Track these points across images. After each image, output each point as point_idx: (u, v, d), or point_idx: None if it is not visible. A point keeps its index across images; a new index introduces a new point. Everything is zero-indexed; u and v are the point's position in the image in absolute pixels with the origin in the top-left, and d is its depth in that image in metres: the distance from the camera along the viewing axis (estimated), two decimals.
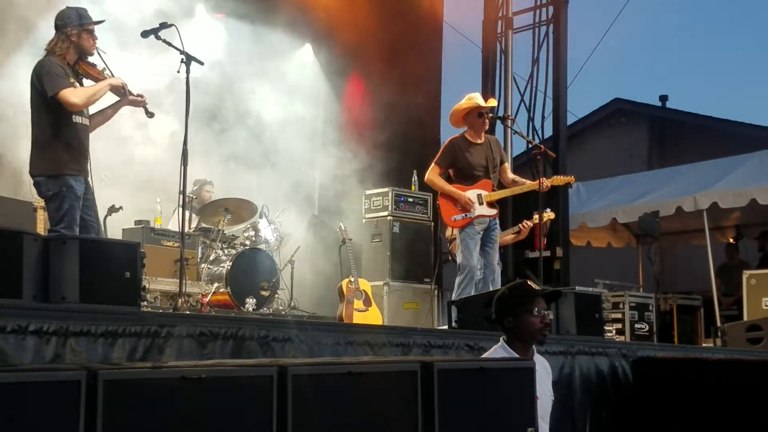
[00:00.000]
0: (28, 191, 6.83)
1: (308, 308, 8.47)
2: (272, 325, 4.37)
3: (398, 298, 8.45)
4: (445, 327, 6.02)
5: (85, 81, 5.37)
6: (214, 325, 4.01)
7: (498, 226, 7.03)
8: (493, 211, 6.79)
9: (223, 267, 7.57)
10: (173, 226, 7.71)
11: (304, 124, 10.05)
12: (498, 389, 3.39)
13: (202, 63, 5.53)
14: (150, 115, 5.43)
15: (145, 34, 5.47)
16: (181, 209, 5.58)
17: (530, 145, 8.49)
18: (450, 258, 7.63)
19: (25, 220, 6.45)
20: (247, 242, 7.97)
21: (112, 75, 5.41)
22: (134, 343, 3.68)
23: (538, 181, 6.83)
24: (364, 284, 7.88)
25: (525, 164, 11.67)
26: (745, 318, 8.87)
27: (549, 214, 7.95)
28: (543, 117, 10.95)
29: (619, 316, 9.00)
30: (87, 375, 2.35)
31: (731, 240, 12.07)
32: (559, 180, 7.15)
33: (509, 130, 9.93)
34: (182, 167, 5.28)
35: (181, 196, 5.40)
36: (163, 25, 5.46)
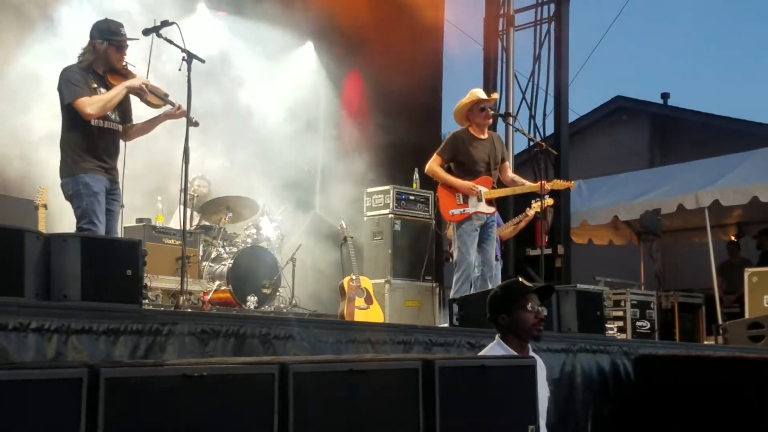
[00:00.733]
0: (31, 190, 6.85)
1: (310, 306, 8.48)
2: (274, 322, 4.37)
3: (399, 295, 8.44)
4: (447, 325, 6.01)
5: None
6: (215, 323, 4.01)
7: (495, 223, 7.02)
8: (492, 209, 6.79)
9: (225, 265, 7.58)
10: (174, 224, 7.72)
11: (305, 122, 10.05)
12: (499, 387, 3.39)
13: (203, 61, 5.53)
14: (194, 124, 5.46)
15: (146, 32, 5.48)
16: (182, 207, 5.58)
17: (532, 143, 8.49)
18: (450, 258, 7.63)
19: (27, 219, 6.45)
20: (249, 240, 7.97)
21: (150, 89, 5.46)
22: (136, 341, 3.68)
23: (538, 183, 6.83)
24: (366, 282, 7.88)
25: (526, 162, 11.68)
26: (747, 316, 8.86)
27: (548, 200, 7.93)
28: (544, 115, 10.96)
29: (621, 313, 9.01)
30: (89, 373, 2.35)
31: (733, 238, 12.06)
32: (559, 184, 7.12)
33: (511, 127, 9.92)
34: (184, 165, 5.29)
35: (183, 194, 5.41)
36: (165, 23, 5.47)
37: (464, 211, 6.68)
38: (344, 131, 10.53)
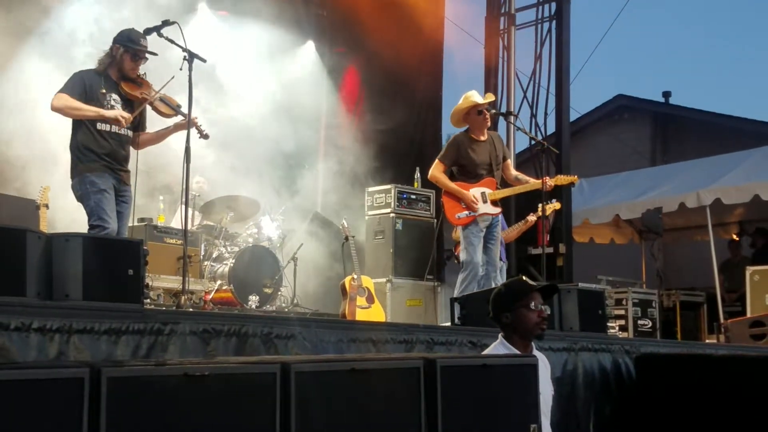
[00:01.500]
0: (32, 190, 6.86)
1: (311, 305, 8.48)
2: (275, 322, 4.37)
3: (401, 295, 8.44)
4: (448, 324, 6.01)
5: (135, 102, 5.55)
6: (217, 323, 4.02)
7: (500, 223, 7.03)
8: (497, 210, 6.80)
9: (226, 264, 7.58)
10: (176, 223, 7.72)
11: (306, 121, 10.05)
12: (501, 386, 3.39)
13: (204, 60, 5.53)
14: (205, 136, 5.50)
15: (147, 31, 5.49)
16: (184, 207, 5.59)
17: (533, 142, 8.49)
18: (456, 260, 7.63)
19: (28, 219, 6.46)
20: (250, 239, 7.97)
21: (162, 98, 5.53)
22: (137, 341, 3.69)
23: (541, 180, 6.83)
24: (367, 281, 7.87)
25: (528, 161, 11.68)
26: (749, 314, 8.86)
27: (555, 205, 7.96)
28: (546, 113, 10.96)
29: (623, 312, 9.01)
30: (90, 372, 2.35)
31: (734, 236, 12.05)
32: (562, 179, 7.12)
33: (512, 126, 9.92)
34: (185, 165, 5.30)
35: (184, 193, 5.41)
36: (166, 23, 5.47)
37: (470, 213, 6.69)
38: (345, 130, 10.52)
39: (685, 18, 65.74)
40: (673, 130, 16.04)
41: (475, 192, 6.70)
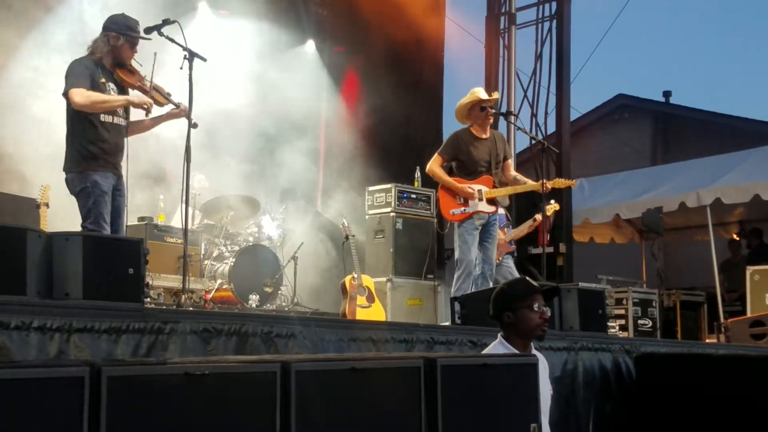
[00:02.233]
0: (33, 189, 6.86)
1: (311, 304, 8.48)
2: (275, 321, 4.38)
3: (401, 294, 8.43)
4: (448, 323, 6.01)
5: (131, 90, 5.48)
6: (217, 322, 4.02)
7: (497, 221, 7.02)
8: (493, 208, 6.79)
9: (227, 263, 7.58)
10: (176, 222, 7.72)
11: (306, 120, 10.05)
12: (501, 385, 3.39)
13: (205, 59, 5.52)
14: (194, 126, 5.45)
15: (148, 30, 5.47)
16: (184, 206, 5.58)
17: (533, 141, 8.49)
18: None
19: (28, 218, 6.46)
20: (250, 239, 7.97)
21: (154, 87, 5.45)
22: (138, 340, 3.69)
23: (540, 182, 6.83)
24: (367, 280, 7.87)
25: (528, 160, 11.68)
26: (749, 314, 8.86)
27: (554, 206, 7.96)
28: (546, 113, 10.97)
29: (623, 312, 9.00)
30: (91, 371, 2.35)
31: (734, 236, 12.06)
32: (560, 183, 7.12)
33: (512, 126, 9.92)
34: (185, 164, 5.29)
35: (185, 192, 5.41)
36: (166, 22, 5.46)
37: (464, 210, 6.68)
38: (345, 129, 10.52)
39: (686, 18, 65.73)
40: (673, 130, 16.04)
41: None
